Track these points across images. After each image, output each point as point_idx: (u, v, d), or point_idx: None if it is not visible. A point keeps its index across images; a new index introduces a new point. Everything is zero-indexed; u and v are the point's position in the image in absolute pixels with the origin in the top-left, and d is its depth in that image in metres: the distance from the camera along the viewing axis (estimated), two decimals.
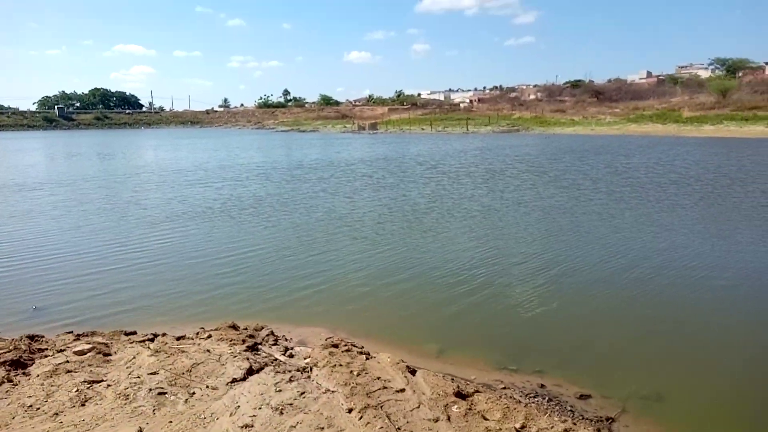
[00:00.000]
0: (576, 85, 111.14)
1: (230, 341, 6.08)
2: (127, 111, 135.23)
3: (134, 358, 5.69)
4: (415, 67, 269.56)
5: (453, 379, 5.36)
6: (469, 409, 4.55)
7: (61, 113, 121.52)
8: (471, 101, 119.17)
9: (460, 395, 4.83)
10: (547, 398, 5.44)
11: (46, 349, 5.92)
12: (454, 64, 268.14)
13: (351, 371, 5.20)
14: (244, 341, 6.08)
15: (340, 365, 5.33)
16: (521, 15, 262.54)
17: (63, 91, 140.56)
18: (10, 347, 5.69)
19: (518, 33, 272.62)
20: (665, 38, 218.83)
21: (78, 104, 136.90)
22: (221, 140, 65.31)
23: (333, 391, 4.89)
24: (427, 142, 51.66)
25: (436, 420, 4.38)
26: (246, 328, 6.70)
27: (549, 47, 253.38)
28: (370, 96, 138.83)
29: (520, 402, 5.05)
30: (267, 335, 6.63)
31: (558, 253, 11.03)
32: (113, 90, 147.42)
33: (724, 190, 18.56)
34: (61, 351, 5.82)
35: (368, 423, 4.29)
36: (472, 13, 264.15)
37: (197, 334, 6.65)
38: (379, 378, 5.10)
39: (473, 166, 28.60)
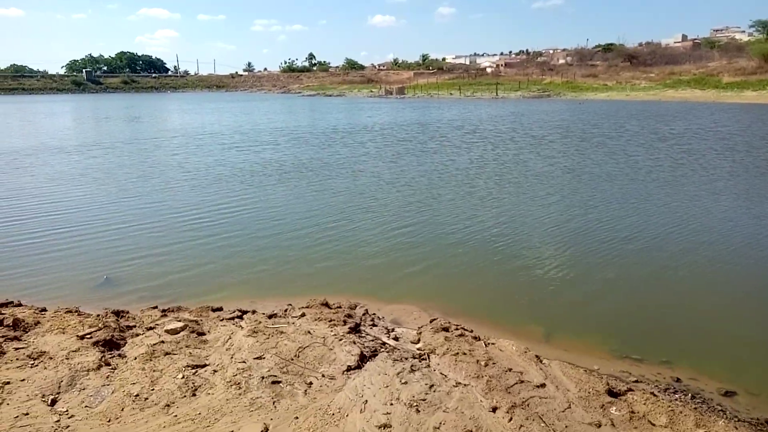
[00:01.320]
0: (608, 49, 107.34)
1: (329, 321, 5.59)
2: (154, 75, 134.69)
3: (230, 338, 5.24)
4: (439, 31, 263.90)
5: (596, 374, 4.81)
6: (632, 411, 4.01)
7: (89, 77, 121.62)
8: (498, 66, 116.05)
9: (612, 393, 4.28)
10: (690, 395, 4.86)
11: (135, 326, 5.50)
12: (480, 28, 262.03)
13: (477, 361, 4.68)
14: (345, 322, 5.58)
15: (464, 354, 4.80)
16: None
17: (90, 55, 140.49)
18: (99, 325, 5.26)
19: None
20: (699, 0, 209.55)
21: (105, 68, 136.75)
22: (249, 104, 64.62)
23: (465, 385, 4.38)
24: (459, 107, 50.39)
25: (599, 425, 3.84)
26: (340, 306, 6.20)
27: (578, 10, 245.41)
28: (395, 60, 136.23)
29: (675, 402, 4.49)
30: (363, 314, 6.14)
31: (641, 223, 10.27)
32: (139, 54, 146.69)
33: None
34: (151, 329, 5.40)
35: (521, 426, 3.78)
36: None
37: (286, 311, 6.18)
38: (510, 370, 4.57)
39: (513, 132, 27.66)
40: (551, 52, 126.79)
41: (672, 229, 9.99)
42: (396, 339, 5.51)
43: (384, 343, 5.31)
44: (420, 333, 5.54)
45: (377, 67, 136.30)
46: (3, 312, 5.58)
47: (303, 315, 5.89)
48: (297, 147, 23.00)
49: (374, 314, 6.39)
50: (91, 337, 4.96)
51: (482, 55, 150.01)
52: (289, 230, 10.20)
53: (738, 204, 11.81)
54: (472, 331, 5.60)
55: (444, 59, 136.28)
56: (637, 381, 5.12)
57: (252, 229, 10.27)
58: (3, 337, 4.92)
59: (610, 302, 7.06)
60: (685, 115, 35.98)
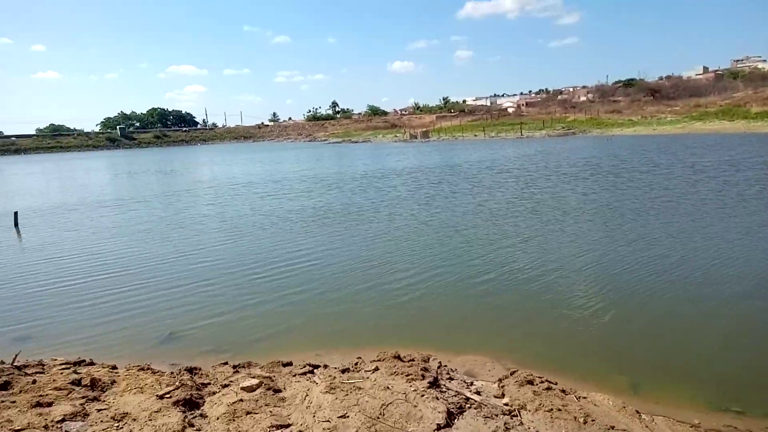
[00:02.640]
0: (629, 84, 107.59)
1: (406, 376, 5.39)
2: (184, 128, 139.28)
3: (307, 395, 5.08)
4: (458, 74, 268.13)
5: (701, 429, 4.51)
6: None
7: (122, 133, 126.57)
8: (519, 105, 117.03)
9: None
10: None
11: (209, 383, 5.38)
12: (498, 69, 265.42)
13: (574, 417, 4.42)
14: (423, 376, 5.37)
15: (558, 410, 4.55)
16: (564, 16, 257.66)
17: (122, 112, 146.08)
18: (176, 383, 5.15)
19: (562, 34, 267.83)
20: (715, 31, 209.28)
21: (137, 124, 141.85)
22: (278, 153, 65.77)
23: None
24: (484, 148, 50.50)
25: None
26: (413, 359, 5.99)
27: (595, 47, 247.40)
28: (416, 104, 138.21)
29: None
30: (438, 367, 5.91)
31: (711, 260, 9.87)
32: (170, 109, 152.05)
33: None
34: (226, 386, 5.27)
35: None
36: (513, 17, 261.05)
37: (356, 365, 6.00)
38: (613, 428, 4.30)
39: (544, 170, 27.58)
40: (572, 89, 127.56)
41: (747, 265, 9.56)
42: (478, 393, 5.27)
43: (468, 399, 5.07)
44: (503, 386, 5.30)
45: (399, 112, 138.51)
46: (79, 371, 5.52)
47: (377, 369, 5.70)
48: (331, 193, 23.19)
49: (446, 366, 6.16)
50: (170, 397, 4.85)
51: (502, 95, 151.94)
52: (342, 279, 10.06)
53: None
54: (557, 384, 5.33)
55: (464, 101, 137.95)
56: None
57: (306, 279, 10.14)
58: (84, 397, 4.84)
59: (693, 347, 6.70)
60: (718, 147, 35.45)
